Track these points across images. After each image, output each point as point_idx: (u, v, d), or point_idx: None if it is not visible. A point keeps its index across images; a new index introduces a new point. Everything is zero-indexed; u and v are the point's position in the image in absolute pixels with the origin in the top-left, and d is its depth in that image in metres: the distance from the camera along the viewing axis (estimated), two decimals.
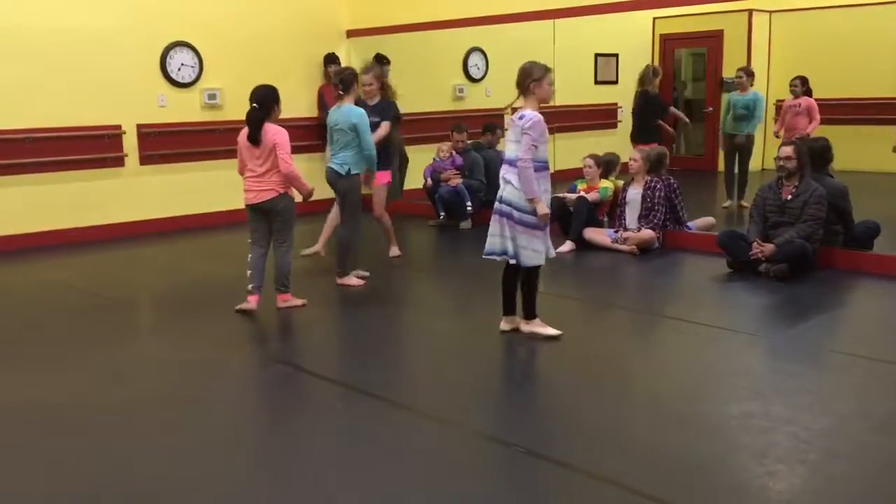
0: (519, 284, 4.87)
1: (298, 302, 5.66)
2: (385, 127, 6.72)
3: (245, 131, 5.42)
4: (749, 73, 9.36)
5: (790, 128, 8.91)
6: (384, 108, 6.82)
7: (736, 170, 9.28)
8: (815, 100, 9.07)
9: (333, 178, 6.13)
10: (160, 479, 3.23)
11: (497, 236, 4.73)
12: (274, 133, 5.34)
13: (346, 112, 6.04)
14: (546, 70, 4.88)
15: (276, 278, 5.61)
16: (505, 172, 4.74)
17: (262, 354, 4.98)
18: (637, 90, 9.13)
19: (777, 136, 9.06)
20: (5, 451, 3.54)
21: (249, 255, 5.58)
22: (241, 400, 4.14)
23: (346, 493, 3.09)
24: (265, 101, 5.36)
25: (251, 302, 5.50)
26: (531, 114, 4.73)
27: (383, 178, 6.74)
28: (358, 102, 6.29)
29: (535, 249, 4.68)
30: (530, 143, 4.62)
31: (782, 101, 11.37)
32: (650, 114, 9.01)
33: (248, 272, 5.54)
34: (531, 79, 4.85)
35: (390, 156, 6.92)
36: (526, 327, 4.88)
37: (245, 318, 5.48)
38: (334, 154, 6.14)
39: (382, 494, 3.06)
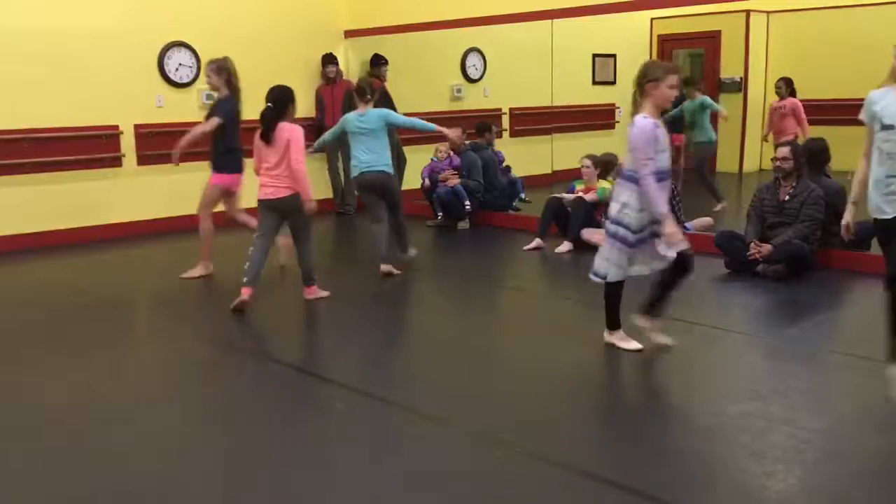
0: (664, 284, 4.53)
1: (324, 293, 5.82)
2: (211, 123, 6.31)
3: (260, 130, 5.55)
4: (691, 82, 9.44)
5: (778, 130, 8.94)
6: (221, 102, 6.42)
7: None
8: (815, 101, 9.07)
9: (383, 178, 6.18)
10: (159, 480, 3.22)
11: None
12: (288, 131, 5.46)
13: (380, 115, 6.21)
14: (668, 71, 4.26)
15: (302, 274, 5.77)
16: (617, 185, 4.42)
17: (262, 354, 4.97)
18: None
19: (766, 140, 9.08)
20: (5, 451, 3.54)
21: (251, 248, 5.60)
22: (240, 400, 4.13)
23: (346, 494, 3.09)
24: (279, 100, 5.50)
25: (244, 294, 5.49)
26: (639, 123, 4.23)
27: (221, 179, 6.48)
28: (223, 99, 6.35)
29: (611, 260, 4.44)
30: (643, 158, 4.20)
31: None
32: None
33: (247, 264, 5.57)
34: (648, 78, 4.26)
35: (237, 159, 6.48)
36: (608, 338, 4.66)
37: (243, 318, 5.47)
38: (365, 156, 6.16)
39: (382, 495, 3.06)
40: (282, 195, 5.51)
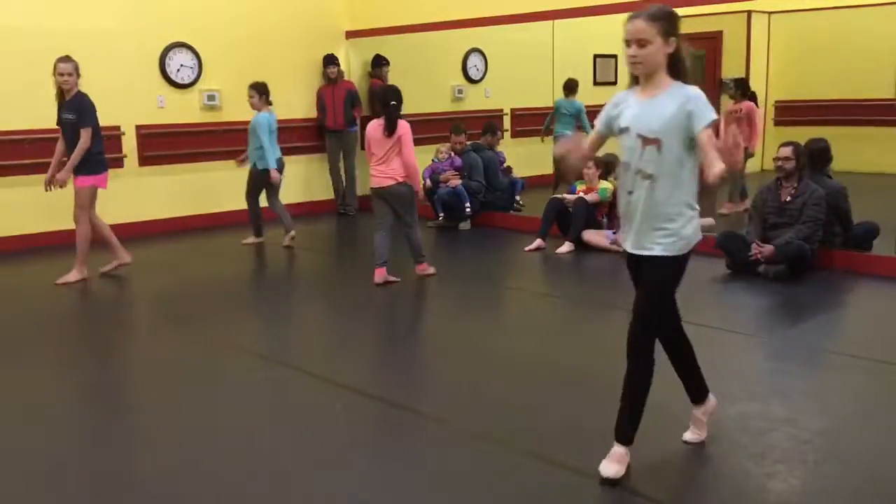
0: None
1: (432, 270, 6.46)
2: (85, 134, 6.27)
3: (377, 124, 6.12)
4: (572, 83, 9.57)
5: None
6: (80, 105, 6.29)
7: None
8: (816, 101, 9.04)
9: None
10: (159, 481, 3.22)
11: None
12: (402, 127, 6.08)
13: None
14: None
15: (413, 253, 6.39)
16: None
17: (262, 355, 4.97)
18: None
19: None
20: (5, 451, 3.54)
21: (375, 236, 6.25)
22: (240, 401, 4.13)
23: (346, 494, 3.09)
24: (399, 99, 6.17)
25: (377, 275, 6.20)
26: None
27: (85, 181, 6.45)
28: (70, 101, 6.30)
29: None
30: None
31: (781, 101, 11.42)
32: None
33: (376, 250, 6.22)
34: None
35: (100, 162, 6.52)
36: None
37: (248, 318, 5.48)
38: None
39: (382, 495, 3.06)
40: (386, 184, 6.10)
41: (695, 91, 2.97)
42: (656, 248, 3.04)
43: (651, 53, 2.95)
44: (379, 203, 6.24)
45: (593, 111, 11.66)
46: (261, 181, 7.75)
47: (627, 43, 2.97)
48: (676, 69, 3.04)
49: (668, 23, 2.98)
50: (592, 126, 3.36)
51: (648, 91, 3.03)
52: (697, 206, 3.08)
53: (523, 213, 8.99)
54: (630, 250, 3.13)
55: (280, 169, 7.73)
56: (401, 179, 6.10)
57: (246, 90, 7.77)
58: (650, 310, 3.09)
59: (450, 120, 9.48)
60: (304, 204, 9.73)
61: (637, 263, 3.13)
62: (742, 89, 8.90)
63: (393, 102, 6.10)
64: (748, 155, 8.81)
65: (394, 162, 6.07)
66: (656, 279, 3.10)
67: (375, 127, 6.13)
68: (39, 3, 7.87)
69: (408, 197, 6.21)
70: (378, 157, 6.11)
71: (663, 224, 3.01)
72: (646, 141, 3.00)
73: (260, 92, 7.68)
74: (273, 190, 7.79)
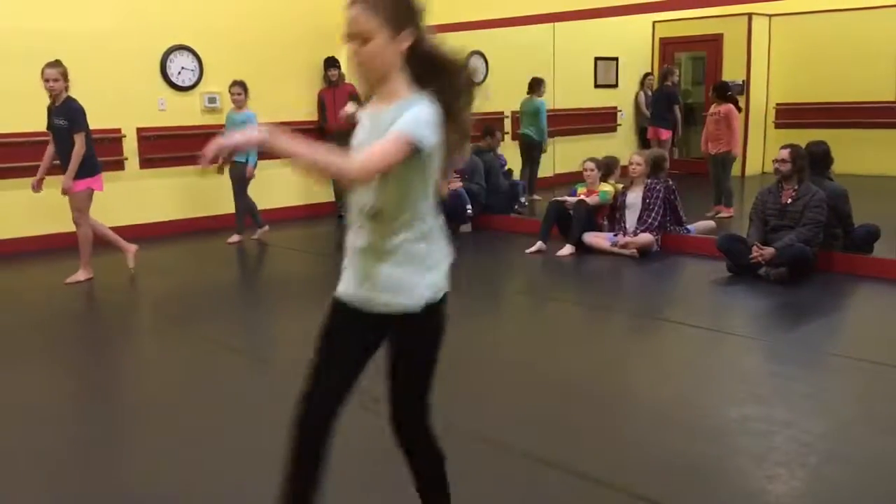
0: None
1: None
2: (80, 140, 6.22)
3: None
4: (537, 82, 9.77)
5: (713, 138, 8.88)
6: (71, 110, 6.26)
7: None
8: (817, 104, 9.05)
9: None
10: (158, 482, 3.22)
11: None
12: None
13: None
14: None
15: None
16: None
17: (261, 357, 4.97)
18: (659, 84, 10.65)
19: (703, 150, 9.06)
20: (4, 452, 3.54)
21: None
22: (239, 401, 4.13)
23: (346, 494, 3.08)
24: None
25: None
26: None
27: (80, 185, 6.41)
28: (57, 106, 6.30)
29: None
30: None
31: (782, 104, 11.43)
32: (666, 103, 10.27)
33: None
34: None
35: (94, 164, 6.49)
36: None
37: (241, 320, 5.47)
38: None
39: (381, 496, 3.05)
40: None
41: (421, 107, 2.12)
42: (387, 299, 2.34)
43: (374, 52, 2.17)
44: None
45: (595, 114, 11.74)
46: (240, 175, 7.90)
47: (346, 38, 2.22)
48: (425, 72, 2.22)
49: (396, 9, 2.20)
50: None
51: (379, 103, 2.23)
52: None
53: (524, 216, 9.00)
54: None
55: (253, 167, 7.94)
56: None
57: (249, 91, 7.82)
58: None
59: None
60: (304, 207, 9.74)
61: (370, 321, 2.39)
62: (720, 92, 9.00)
63: None
64: (731, 157, 8.85)
65: None
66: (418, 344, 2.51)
67: None
68: (41, 4, 7.87)
69: None
70: None
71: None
72: None
73: (246, 90, 7.94)
74: (243, 185, 7.99)
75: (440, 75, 2.22)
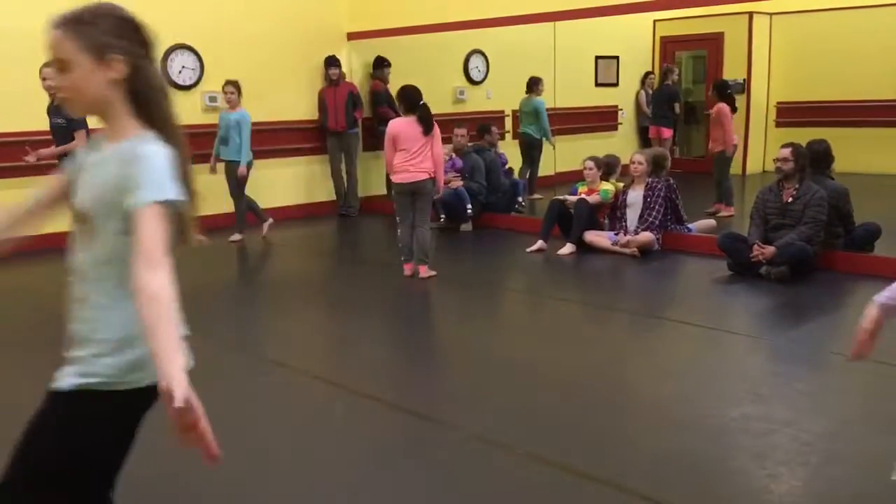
0: None
1: (432, 273, 6.43)
2: (80, 136, 6.19)
3: (408, 121, 6.31)
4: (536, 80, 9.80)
5: (711, 137, 9.00)
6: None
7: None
8: (818, 102, 9.04)
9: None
10: (156, 482, 3.22)
11: None
12: (434, 126, 6.38)
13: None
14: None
15: (418, 253, 6.40)
16: None
17: (263, 356, 4.97)
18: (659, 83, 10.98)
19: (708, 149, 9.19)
20: (4, 452, 3.54)
21: (399, 231, 6.44)
22: (239, 402, 4.13)
23: (346, 495, 3.08)
24: (422, 97, 6.41)
25: (406, 269, 6.44)
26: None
27: None
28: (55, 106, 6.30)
29: None
30: None
31: (783, 103, 11.42)
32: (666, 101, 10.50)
33: (400, 245, 6.45)
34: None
35: None
36: None
37: (242, 320, 5.47)
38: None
39: (382, 496, 3.06)
40: (418, 178, 6.28)
41: (149, 149, 1.84)
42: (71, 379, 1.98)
43: (79, 82, 1.87)
44: (405, 199, 6.38)
45: (596, 112, 11.74)
46: (235, 174, 7.88)
47: (51, 65, 1.91)
48: (144, 108, 1.96)
49: (102, 33, 1.89)
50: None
51: (110, 141, 1.95)
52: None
53: (524, 215, 9.00)
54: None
55: (248, 168, 7.88)
56: (431, 175, 6.31)
57: (249, 91, 7.81)
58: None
59: (451, 121, 9.46)
60: (305, 205, 9.74)
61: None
62: (720, 91, 9.05)
63: (422, 102, 6.36)
64: (725, 157, 8.86)
65: (427, 158, 6.28)
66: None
67: (407, 124, 6.31)
68: (41, 4, 7.84)
69: (431, 194, 6.45)
70: (412, 153, 6.26)
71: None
72: (79, 218, 2.04)
73: (239, 89, 7.92)
74: (240, 185, 7.97)
75: (150, 112, 1.97)
